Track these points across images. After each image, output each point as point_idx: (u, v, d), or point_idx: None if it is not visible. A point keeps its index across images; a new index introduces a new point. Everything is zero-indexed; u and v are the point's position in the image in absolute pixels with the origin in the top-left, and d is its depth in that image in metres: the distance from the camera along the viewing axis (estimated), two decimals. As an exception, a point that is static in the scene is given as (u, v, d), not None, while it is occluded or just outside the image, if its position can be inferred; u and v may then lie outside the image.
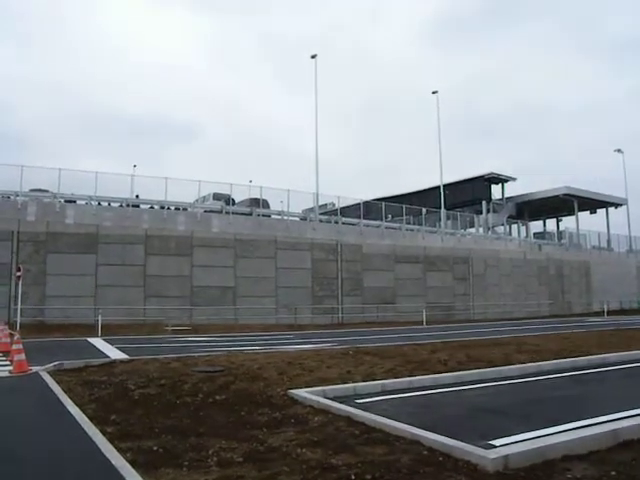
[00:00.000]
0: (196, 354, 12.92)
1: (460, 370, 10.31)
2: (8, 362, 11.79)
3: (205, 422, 6.55)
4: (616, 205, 52.84)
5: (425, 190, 48.81)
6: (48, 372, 10.43)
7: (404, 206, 39.13)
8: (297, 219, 34.94)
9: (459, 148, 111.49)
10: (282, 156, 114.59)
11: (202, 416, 6.88)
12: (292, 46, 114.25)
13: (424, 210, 39.52)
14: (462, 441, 5.21)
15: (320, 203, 36.66)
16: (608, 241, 51.50)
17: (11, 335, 14.94)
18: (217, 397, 7.98)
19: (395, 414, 6.67)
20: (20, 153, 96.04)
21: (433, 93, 42.98)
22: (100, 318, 21.13)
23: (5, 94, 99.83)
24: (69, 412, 7.07)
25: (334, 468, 4.75)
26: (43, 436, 6.12)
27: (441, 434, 5.51)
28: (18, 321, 20.74)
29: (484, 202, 48.35)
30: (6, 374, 10.45)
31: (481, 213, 47.90)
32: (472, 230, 45.88)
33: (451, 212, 43.38)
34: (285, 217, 33.70)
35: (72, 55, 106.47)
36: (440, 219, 41.69)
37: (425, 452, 5.19)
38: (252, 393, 8.27)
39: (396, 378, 9.40)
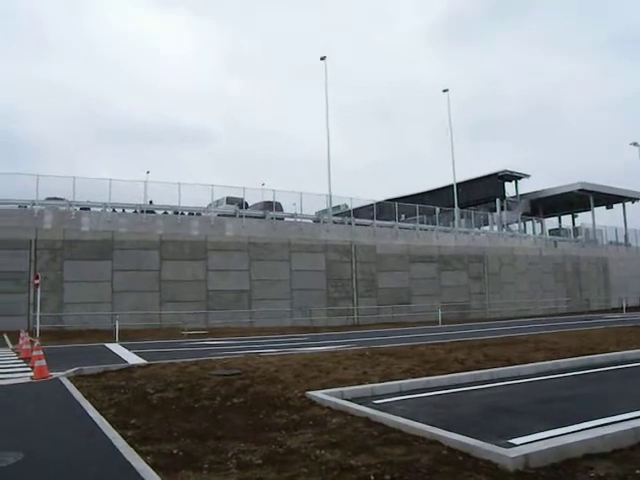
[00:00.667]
0: (213, 358, 12.99)
1: (477, 369, 10.26)
2: (29, 368, 11.94)
3: (223, 425, 6.58)
4: (633, 200, 52.03)
5: (438, 189, 48.55)
6: (68, 378, 10.53)
7: (417, 206, 38.98)
8: (310, 221, 34.95)
9: (468, 148, 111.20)
10: (294, 158, 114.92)
11: (220, 419, 6.91)
12: (301, 47, 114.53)
13: (437, 209, 39.31)
14: (481, 440, 5.19)
15: (333, 205, 36.67)
16: (625, 236, 50.85)
17: (31, 342, 15.11)
18: (235, 400, 8.01)
19: (413, 414, 6.66)
20: (35, 162, 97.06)
21: (444, 91, 42.84)
22: (117, 324, 21.28)
23: (17, 102, 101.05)
24: (90, 416, 7.14)
25: (353, 469, 4.75)
26: (65, 440, 6.19)
27: (460, 434, 5.49)
28: (37, 328, 20.95)
29: (498, 200, 47.95)
30: (27, 380, 10.58)
31: (495, 211, 47.56)
32: (486, 228, 45.61)
33: (465, 210, 43.14)
34: (298, 219, 33.72)
35: (83, 61, 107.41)
36: (454, 218, 41.48)
37: (444, 452, 5.17)
38: (270, 396, 8.29)
39: (413, 378, 9.37)
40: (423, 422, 6.10)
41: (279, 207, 33.42)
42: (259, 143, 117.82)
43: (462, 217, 42.87)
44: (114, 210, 29.68)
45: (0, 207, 26.76)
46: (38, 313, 21.46)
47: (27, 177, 27.40)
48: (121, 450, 5.48)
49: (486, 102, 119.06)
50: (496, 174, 47.75)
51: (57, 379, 10.48)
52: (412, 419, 6.27)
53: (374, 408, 7.09)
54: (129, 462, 5.06)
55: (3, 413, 7.79)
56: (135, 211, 29.90)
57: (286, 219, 33.68)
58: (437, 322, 28.67)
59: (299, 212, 33.77)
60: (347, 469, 4.75)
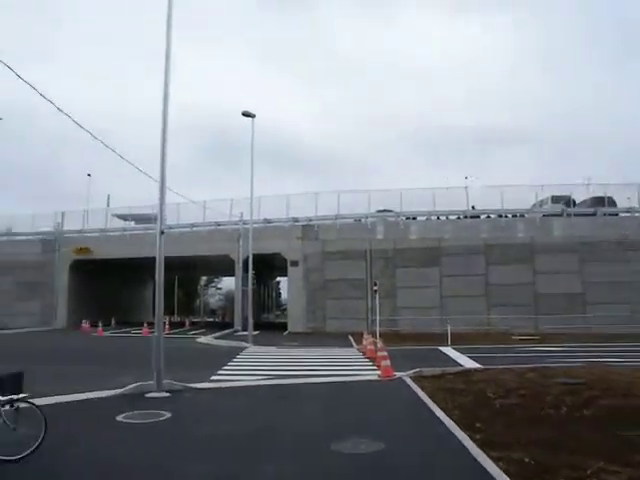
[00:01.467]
0: (550, 365, 12.45)
1: None
2: (375, 367, 13.10)
3: (574, 438, 6.24)
4: None
5: None
6: (410, 377, 11.23)
7: None
8: (650, 215, 30.99)
9: None
10: (619, 148, 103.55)
11: (570, 431, 6.57)
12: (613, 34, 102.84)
13: None
14: None
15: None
16: None
17: (374, 343, 16.54)
18: (584, 412, 7.55)
19: None
20: (362, 178, 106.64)
21: None
22: (449, 327, 21.85)
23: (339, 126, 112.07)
24: (436, 416, 7.53)
25: None
26: (417, 435, 6.68)
27: None
28: (377, 330, 22.84)
29: None
30: (375, 378, 11.64)
31: None
32: None
33: None
34: (636, 214, 30.23)
35: (398, 83, 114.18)
36: None
37: None
38: (625, 411, 7.57)
39: None
40: None
41: (611, 202, 30.45)
42: (579, 136, 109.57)
43: None
44: (438, 218, 30.83)
45: (341, 222, 30.23)
46: (377, 317, 23.32)
47: (360, 193, 30.51)
48: (472, 452, 5.64)
49: None
50: None
51: (400, 378, 11.27)
52: None
53: None
54: (482, 465, 5.17)
55: (364, 408, 8.68)
56: (458, 217, 30.60)
57: (620, 214, 30.54)
58: None
59: (636, 206, 30.22)
60: None
